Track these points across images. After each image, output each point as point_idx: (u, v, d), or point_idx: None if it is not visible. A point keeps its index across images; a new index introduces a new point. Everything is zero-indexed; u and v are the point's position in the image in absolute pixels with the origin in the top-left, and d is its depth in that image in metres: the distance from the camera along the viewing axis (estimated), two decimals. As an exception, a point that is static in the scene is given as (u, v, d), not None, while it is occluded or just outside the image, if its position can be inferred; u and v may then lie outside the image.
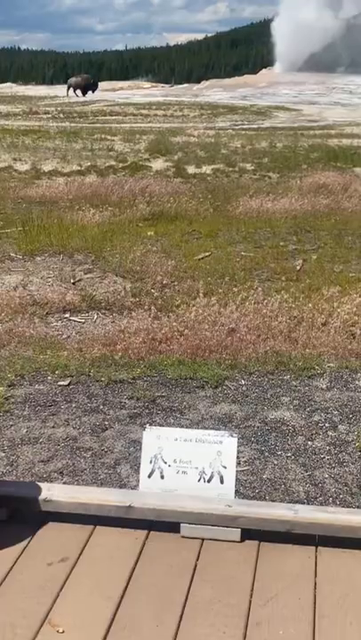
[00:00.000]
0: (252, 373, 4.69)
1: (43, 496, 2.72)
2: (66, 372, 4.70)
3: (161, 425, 3.98)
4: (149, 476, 2.73)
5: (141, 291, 6.50)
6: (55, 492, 2.76)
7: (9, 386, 4.52)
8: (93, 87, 51.91)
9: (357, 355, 4.96)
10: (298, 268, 7.32)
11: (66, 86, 53.18)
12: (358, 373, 4.70)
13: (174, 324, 5.42)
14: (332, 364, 4.81)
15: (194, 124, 28.36)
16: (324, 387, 4.53)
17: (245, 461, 3.63)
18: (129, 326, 5.46)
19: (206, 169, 15.03)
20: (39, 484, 2.87)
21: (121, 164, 15.60)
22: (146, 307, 5.97)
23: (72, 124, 26.45)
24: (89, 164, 15.47)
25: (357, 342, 5.15)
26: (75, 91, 51.04)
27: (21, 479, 3.47)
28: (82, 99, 47.85)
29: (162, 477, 2.71)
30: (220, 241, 8.59)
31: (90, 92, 50.81)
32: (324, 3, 72.91)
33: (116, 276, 7.05)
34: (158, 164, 15.86)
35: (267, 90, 58.60)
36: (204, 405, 4.28)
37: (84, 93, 50.53)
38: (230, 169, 15.09)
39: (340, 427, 4.02)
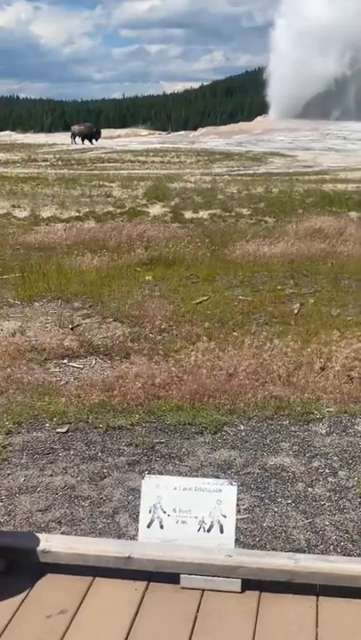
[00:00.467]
0: (252, 418, 4.67)
1: (41, 547, 2.69)
2: (64, 418, 4.68)
3: (160, 472, 3.95)
4: (148, 526, 2.70)
5: (140, 335, 6.51)
6: (53, 543, 2.73)
7: (7, 433, 4.49)
8: (96, 135, 52.64)
9: (356, 399, 4.95)
10: (295, 311, 7.35)
11: (68, 134, 54.07)
12: (357, 418, 4.69)
13: (173, 368, 5.42)
14: (331, 409, 4.80)
15: (191, 170, 28.76)
16: (323, 432, 4.51)
17: (245, 509, 3.60)
18: (127, 371, 5.46)
19: (203, 214, 15.20)
20: (37, 534, 2.84)
21: (119, 210, 15.77)
22: (144, 351, 5.97)
23: (70, 171, 26.83)
24: (87, 210, 15.65)
25: (356, 387, 5.14)
26: (75, 139, 51.73)
27: (19, 529, 3.43)
28: (80, 146, 48.58)
29: (161, 527, 2.69)
30: (217, 285, 8.64)
31: (93, 140, 51.48)
32: (317, 51, 74.56)
33: (115, 320, 7.06)
34: (156, 209, 16.04)
35: (262, 136, 59.57)
36: (203, 452, 4.26)
37: (90, 141, 51.17)
38: (227, 214, 15.26)
39: (340, 472, 3.99)
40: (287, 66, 75.77)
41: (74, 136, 52.12)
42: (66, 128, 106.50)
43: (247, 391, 5.04)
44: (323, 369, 5.41)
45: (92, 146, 48.34)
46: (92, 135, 52.14)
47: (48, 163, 32.18)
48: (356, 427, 4.57)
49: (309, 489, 3.82)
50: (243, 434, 4.48)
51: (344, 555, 3.21)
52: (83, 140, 51.35)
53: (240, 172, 27.71)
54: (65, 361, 5.95)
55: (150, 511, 2.70)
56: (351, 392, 5.05)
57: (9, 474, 4.02)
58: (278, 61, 79.10)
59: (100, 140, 51.63)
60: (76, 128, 53.80)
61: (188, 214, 15.16)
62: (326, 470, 4.02)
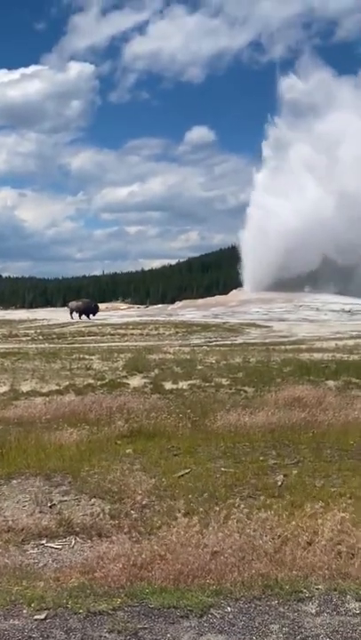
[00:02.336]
0: (238, 599, 4.47)
1: None
2: (42, 604, 4.45)
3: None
4: None
5: (120, 512, 6.34)
6: None
7: (-20, 623, 4.24)
8: (95, 310, 53.55)
9: (345, 575, 4.79)
10: (279, 483, 7.25)
11: (49, 309, 55.15)
12: (347, 595, 4.50)
13: (155, 547, 5.24)
14: (320, 587, 4.62)
15: (169, 341, 29.39)
16: (313, 611, 4.31)
17: None
18: (108, 551, 5.26)
19: (183, 384, 15.34)
20: None
21: (99, 382, 15.88)
22: (125, 529, 5.79)
23: (51, 345, 27.24)
24: (67, 383, 15.74)
25: (345, 561, 4.98)
26: (72, 314, 52.47)
27: None
28: (61, 321, 49.54)
29: None
30: (199, 457, 8.56)
31: (91, 315, 52.26)
32: (284, 239, 78.74)
33: (95, 497, 6.90)
34: (136, 380, 16.18)
35: (238, 308, 61.60)
36: (189, 637, 4.03)
37: (87, 316, 51.99)
38: (206, 384, 15.42)
39: (334, 657, 3.78)
40: (259, 248, 79.68)
41: (72, 312, 52.93)
42: (47, 304, 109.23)
43: (233, 570, 4.86)
44: (310, 543, 5.27)
45: (89, 321, 49.06)
46: (90, 310, 53.08)
47: (29, 337, 32.72)
48: (346, 605, 4.39)
49: None
50: (230, 616, 4.27)
51: None
52: (80, 316, 52.07)
53: (218, 343, 28.35)
54: (43, 541, 5.74)
55: None
56: (340, 567, 4.89)
57: (-19, 669, 3.75)
58: (250, 245, 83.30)
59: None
60: (73, 304, 54.83)
61: (168, 385, 15.29)
62: (320, 655, 3.80)
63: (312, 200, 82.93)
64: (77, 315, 52.44)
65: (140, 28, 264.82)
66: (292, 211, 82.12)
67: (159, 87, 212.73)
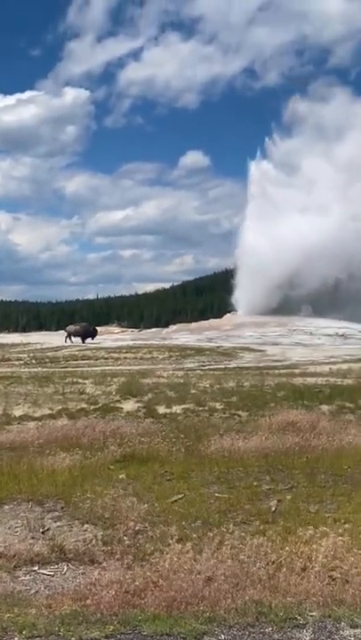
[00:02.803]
0: (232, 626, 4.43)
1: None
2: (34, 631, 4.40)
3: None
4: None
5: (113, 538, 6.29)
6: None
7: (-29, 651, 4.19)
8: (93, 334, 53.08)
9: (340, 602, 4.75)
10: (273, 509, 7.21)
11: (42, 333, 54.64)
12: (342, 622, 4.47)
13: (148, 573, 5.20)
14: (314, 613, 4.58)
15: (163, 365, 29.34)
16: (307, 639, 4.28)
17: None
18: (100, 578, 5.21)
19: (177, 409, 15.30)
20: None
21: (92, 407, 15.83)
22: (118, 556, 5.75)
23: (44, 369, 27.15)
24: (60, 407, 15.67)
25: (339, 587, 4.95)
26: (71, 338, 51.96)
27: None
28: (54, 344, 49.27)
29: None
30: (193, 482, 8.51)
31: (89, 339, 51.82)
32: (279, 263, 79.04)
33: (87, 523, 6.85)
34: (129, 405, 16.13)
35: (232, 332, 61.61)
36: (182, 666, 3.98)
37: (83, 340, 51.58)
38: (200, 408, 15.37)
39: None
40: (252, 273, 79.86)
41: (69, 336, 52.46)
42: (40, 327, 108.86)
43: (227, 596, 4.82)
44: (304, 569, 5.23)
45: (82, 344, 48.75)
46: (89, 334, 52.58)
47: (22, 361, 32.61)
48: (341, 632, 4.35)
49: None
50: (223, 644, 4.22)
51: None
52: (83, 340, 51.57)
53: (212, 367, 28.31)
54: (35, 568, 5.69)
55: None
56: (334, 594, 4.85)
57: None
58: (244, 270, 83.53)
59: (74, 338, 52.27)
60: (71, 328, 54.26)
61: (162, 409, 15.25)
62: None
63: (310, 224, 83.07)
64: (76, 339, 51.87)
65: (135, 55, 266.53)
66: (289, 234, 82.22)
67: (154, 112, 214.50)
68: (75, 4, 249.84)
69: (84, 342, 50.80)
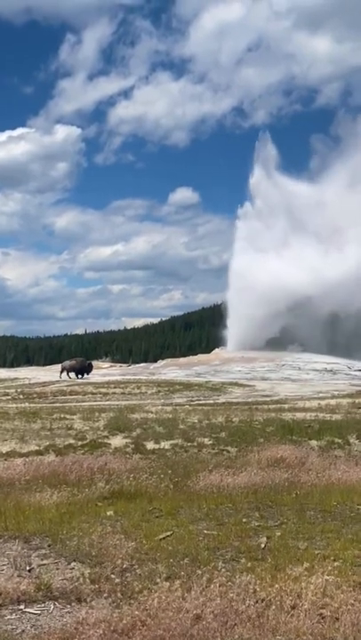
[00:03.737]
0: (221, 667, 4.36)
1: None
2: (18, 673, 4.31)
3: None
4: None
5: (101, 576, 6.20)
6: None
7: None
8: (88, 369, 52.73)
9: (330, 640, 4.69)
10: (262, 546, 7.15)
11: (30, 368, 54.03)
12: (333, 662, 4.41)
13: (136, 612, 5.12)
14: (304, 653, 4.52)
15: (152, 400, 29.23)
16: None
17: None
18: (87, 617, 5.13)
19: (165, 444, 15.23)
20: None
21: (80, 442, 15.73)
22: (105, 594, 5.67)
23: (32, 405, 26.97)
24: (47, 443, 15.56)
25: (329, 626, 4.89)
26: (68, 374, 51.56)
27: None
28: (42, 379, 48.91)
29: None
30: (181, 519, 8.44)
31: (85, 374, 51.44)
32: (265, 304, 79.46)
33: (74, 560, 6.76)
34: (117, 440, 16.04)
35: (220, 367, 61.47)
36: None
37: (76, 375, 51.18)
38: (189, 444, 15.31)
39: None
40: (241, 310, 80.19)
41: (64, 371, 52.04)
42: (28, 362, 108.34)
43: (215, 635, 4.76)
44: (293, 607, 5.18)
45: (70, 380, 48.39)
46: (84, 369, 52.24)
47: (9, 397, 32.38)
48: (332, 672, 4.29)
49: None
50: None
51: None
52: (77, 375, 51.09)
53: (200, 402, 28.21)
54: (21, 607, 5.59)
55: None
56: (324, 632, 4.80)
57: None
58: (233, 307, 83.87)
59: (62, 373, 51.97)
60: (67, 363, 53.74)
61: (150, 445, 15.17)
62: None
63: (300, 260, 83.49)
64: (72, 374, 51.43)
65: (126, 93, 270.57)
66: (277, 269, 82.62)
67: (144, 150, 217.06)
68: (67, 42, 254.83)
69: (78, 377, 50.44)
